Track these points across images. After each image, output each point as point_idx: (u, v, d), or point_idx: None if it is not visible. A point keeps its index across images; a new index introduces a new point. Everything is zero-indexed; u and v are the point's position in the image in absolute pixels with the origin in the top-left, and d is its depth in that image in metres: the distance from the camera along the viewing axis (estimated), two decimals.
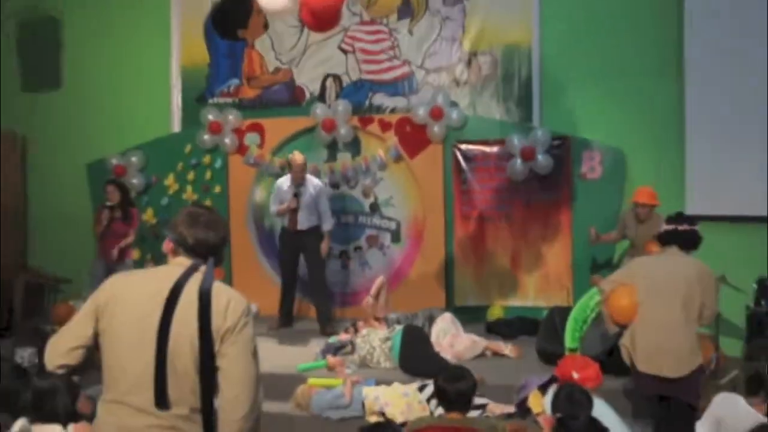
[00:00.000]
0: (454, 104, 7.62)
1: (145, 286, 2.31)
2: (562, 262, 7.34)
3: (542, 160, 7.20)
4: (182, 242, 2.33)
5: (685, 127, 7.03)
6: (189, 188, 8.14)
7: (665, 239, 4.48)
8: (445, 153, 7.58)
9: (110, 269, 6.67)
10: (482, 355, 6.16)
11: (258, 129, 8.01)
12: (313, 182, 7.02)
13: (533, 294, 7.41)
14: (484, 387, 5.14)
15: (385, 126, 7.74)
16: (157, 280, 2.31)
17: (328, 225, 7.06)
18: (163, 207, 8.21)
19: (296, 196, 6.84)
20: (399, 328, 6.03)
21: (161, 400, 2.18)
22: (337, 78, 7.99)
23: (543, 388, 4.81)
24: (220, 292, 2.30)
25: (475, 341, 6.20)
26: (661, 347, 4.25)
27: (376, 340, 5.95)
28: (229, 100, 8.25)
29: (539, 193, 7.36)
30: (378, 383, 5.37)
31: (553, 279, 7.37)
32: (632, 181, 7.20)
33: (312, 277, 7.08)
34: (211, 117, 7.98)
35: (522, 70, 7.51)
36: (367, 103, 7.92)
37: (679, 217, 4.56)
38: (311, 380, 5.49)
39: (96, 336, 2.31)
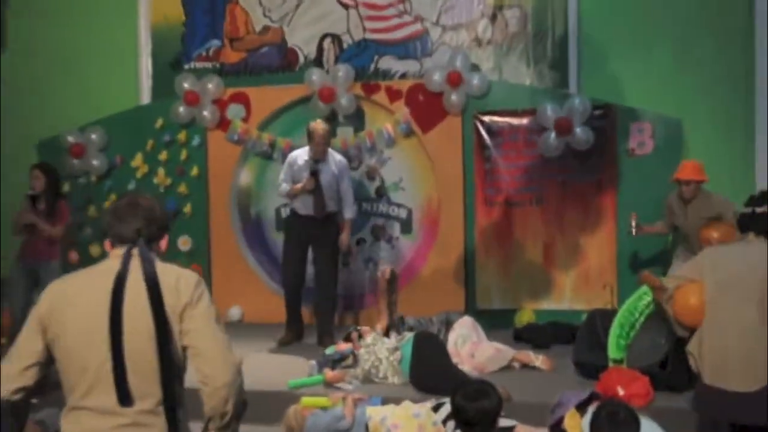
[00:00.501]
0: (475, 68, 7.59)
1: (87, 286, 2.56)
2: (605, 256, 7.33)
3: (581, 133, 7.15)
4: (110, 234, 2.64)
5: (755, 97, 7.02)
6: (161, 170, 8.09)
7: (741, 225, 4.34)
8: (464, 126, 7.54)
9: (30, 273, 6.56)
10: (509, 367, 6.12)
11: (243, 99, 7.97)
12: (335, 158, 6.87)
13: (570, 295, 7.40)
14: (510, 405, 5.06)
15: (393, 95, 7.69)
16: (99, 275, 2.56)
17: (350, 212, 6.92)
18: None
19: (313, 174, 6.67)
20: (409, 335, 6.00)
21: (124, 397, 2.43)
22: (336, 38, 7.97)
23: (581, 407, 4.67)
24: (165, 271, 2.57)
25: (500, 350, 6.16)
26: (731, 354, 3.99)
27: (383, 351, 5.91)
28: (208, 65, 8.19)
29: (577, 173, 7.35)
30: (385, 402, 5.27)
31: (594, 277, 7.35)
32: (690, 156, 7.12)
33: (320, 276, 6.86)
34: (186, 85, 7.94)
35: (556, 27, 7.49)
36: (372, 67, 7.88)
37: (760, 198, 4.38)
38: (305, 399, 5.42)
39: (47, 350, 2.54)
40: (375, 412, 5.13)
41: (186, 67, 8.23)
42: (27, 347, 2.55)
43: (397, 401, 5.23)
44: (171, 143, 8.09)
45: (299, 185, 6.70)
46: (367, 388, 5.71)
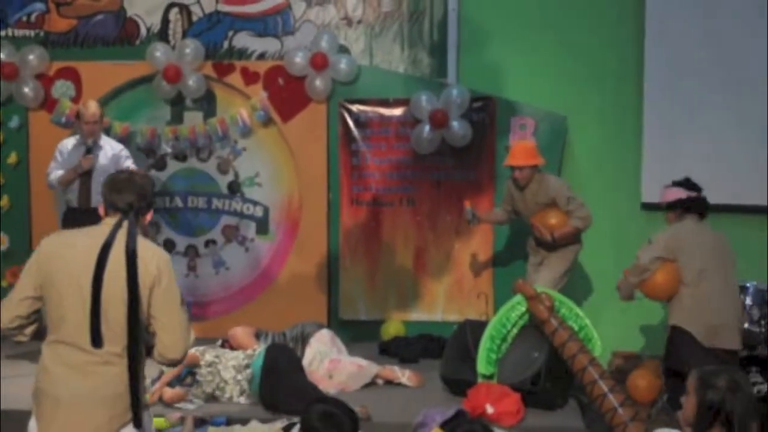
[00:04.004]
0: (343, 50, 7.74)
1: (79, 243, 3.48)
2: (481, 262, 7.62)
3: (458, 127, 7.40)
4: (106, 202, 3.55)
5: (643, 94, 7.46)
6: None
7: (686, 207, 5.90)
8: (330, 115, 7.71)
9: None
10: (372, 384, 6.33)
11: (72, 76, 7.91)
12: (111, 144, 7.11)
13: (443, 305, 7.66)
14: (370, 425, 5.29)
15: (249, 77, 7.79)
16: (90, 237, 3.47)
17: None
18: None
19: (89, 151, 6.88)
20: (260, 349, 6.09)
21: (96, 339, 3.35)
22: (184, 8, 7.97)
23: (447, 426, 4.95)
24: (144, 246, 3.46)
25: (363, 367, 6.34)
26: (726, 320, 5.75)
27: (229, 371, 6.00)
28: (29, 32, 8.08)
29: (453, 171, 7.61)
30: (230, 422, 5.44)
31: (468, 285, 7.64)
32: (575, 157, 7.60)
33: None
34: (2, 56, 7.81)
35: (435, 8, 7.68)
36: (225, 44, 7.92)
37: (690, 182, 5.99)
38: None
39: (40, 288, 3.46)
40: None
41: (2, 33, 8.05)
42: (24, 283, 3.49)
43: (244, 421, 5.41)
44: None
45: (71, 170, 6.88)
46: (211, 407, 5.81)
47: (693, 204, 5.95)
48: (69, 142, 7.09)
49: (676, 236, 5.85)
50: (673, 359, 5.80)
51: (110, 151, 7.01)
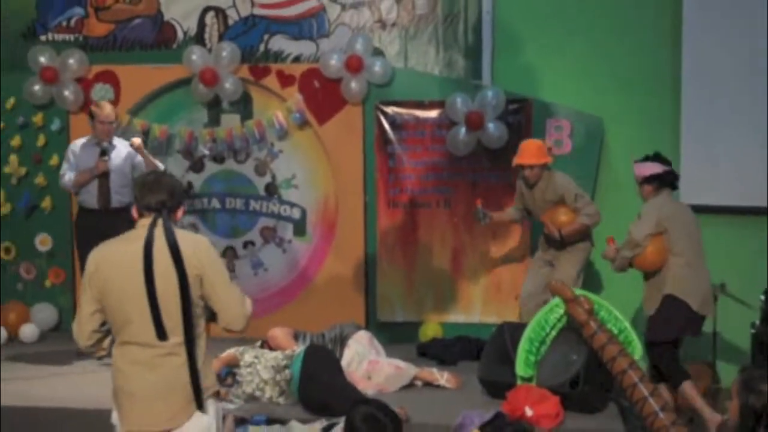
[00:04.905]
0: (378, 52, 7.86)
1: (122, 249, 3.76)
2: (518, 264, 7.70)
3: (493, 129, 7.49)
4: (139, 203, 3.81)
5: (681, 95, 7.50)
6: (13, 158, 8.13)
7: (663, 182, 6.27)
8: (365, 118, 7.82)
9: None
10: (411, 385, 6.41)
11: (111, 79, 8.05)
12: (124, 143, 7.18)
13: (480, 307, 7.74)
14: (409, 427, 5.37)
15: (285, 80, 7.90)
16: (130, 241, 3.75)
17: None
18: None
19: (104, 153, 6.96)
20: (300, 350, 6.18)
21: (160, 333, 3.66)
22: (220, 12, 8.09)
23: (486, 428, 5.10)
24: (184, 238, 3.74)
25: (401, 369, 6.43)
26: (710, 287, 6.25)
27: (268, 371, 6.08)
28: (69, 37, 8.24)
29: (489, 173, 7.71)
30: (270, 422, 5.55)
31: (506, 287, 7.71)
32: (612, 159, 7.67)
33: None
34: (43, 60, 7.95)
35: (469, 10, 7.78)
36: (261, 47, 8.05)
37: (661, 156, 6.34)
38: None
39: (100, 300, 3.75)
40: None
41: (42, 38, 8.21)
42: (85, 300, 3.78)
43: (283, 422, 5.51)
44: (25, 126, 8.11)
45: (86, 171, 6.96)
46: (251, 406, 5.93)
47: (670, 177, 6.33)
48: (79, 142, 7.17)
49: (662, 210, 6.17)
50: (664, 328, 6.09)
51: (124, 150, 7.10)
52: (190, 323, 3.71)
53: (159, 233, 3.71)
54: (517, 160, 6.89)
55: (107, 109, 7.01)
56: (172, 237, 3.69)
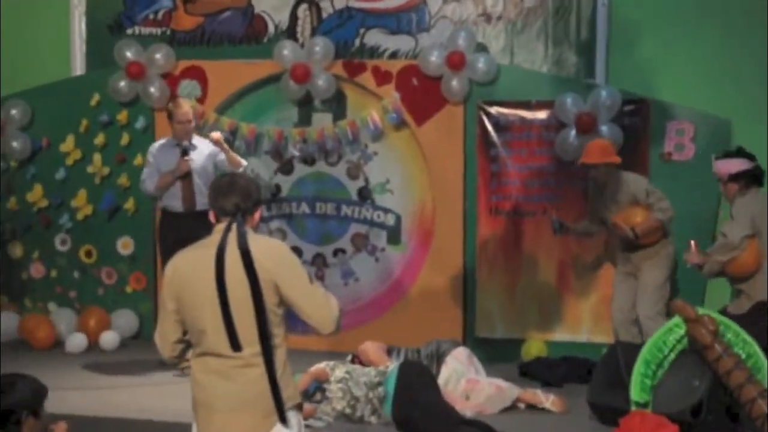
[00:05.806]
0: (481, 48, 7.72)
1: (197, 256, 3.77)
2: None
3: (607, 132, 7.30)
4: (214, 207, 3.82)
5: None
6: (97, 157, 8.19)
7: (753, 179, 6.14)
8: (467, 118, 7.69)
9: None
10: (513, 407, 6.27)
11: (198, 75, 8.09)
12: (204, 142, 7.18)
13: (589, 325, 7.54)
14: None
15: (381, 77, 7.83)
16: (205, 247, 3.76)
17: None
18: (58, 183, 8.23)
19: (185, 152, 6.97)
20: (393, 367, 6.10)
21: (234, 343, 3.65)
22: (314, 5, 8.08)
23: None
24: (257, 243, 3.71)
25: (503, 389, 6.30)
26: None
27: (361, 388, 6.02)
28: (156, 30, 8.30)
29: None
30: None
31: None
32: None
33: None
34: (130, 55, 8.03)
35: (583, 4, 7.61)
36: (356, 42, 8.00)
37: (746, 152, 6.22)
38: None
39: (178, 311, 3.79)
40: None
41: (129, 32, 8.30)
42: (165, 311, 3.82)
43: None
44: (109, 124, 8.18)
45: (168, 174, 6.98)
46: (341, 425, 5.86)
47: (757, 173, 6.22)
48: (158, 144, 7.25)
49: (755, 210, 6.06)
50: (756, 339, 5.66)
51: (206, 149, 7.12)
52: (266, 332, 3.67)
53: (232, 239, 3.71)
54: (582, 160, 6.87)
55: (185, 107, 7.06)
56: (243, 241, 3.67)
